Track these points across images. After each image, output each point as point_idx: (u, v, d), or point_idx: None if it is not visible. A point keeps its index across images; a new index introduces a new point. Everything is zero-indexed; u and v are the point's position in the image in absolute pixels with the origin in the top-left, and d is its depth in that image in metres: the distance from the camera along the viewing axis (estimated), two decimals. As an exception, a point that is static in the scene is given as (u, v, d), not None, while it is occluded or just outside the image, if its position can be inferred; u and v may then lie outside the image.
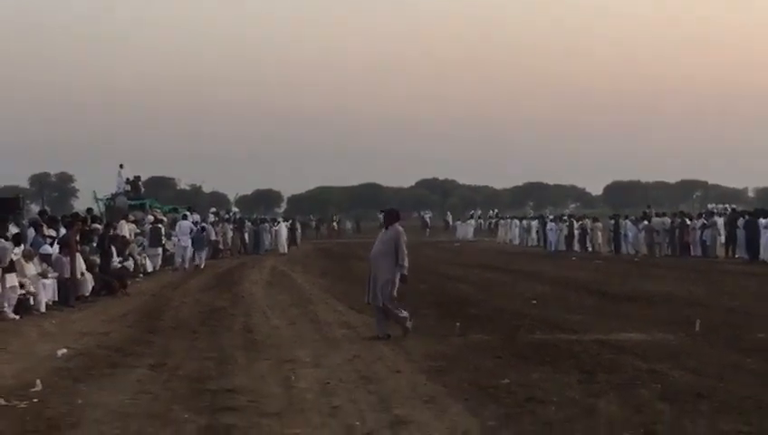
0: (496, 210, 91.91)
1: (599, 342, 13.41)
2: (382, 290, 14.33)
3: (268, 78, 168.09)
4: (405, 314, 14.41)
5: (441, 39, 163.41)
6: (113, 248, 25.66)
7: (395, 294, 14.42)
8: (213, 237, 41.57)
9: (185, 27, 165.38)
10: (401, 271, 14.42)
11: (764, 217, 34.89)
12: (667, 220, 42.72)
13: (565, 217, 55.36)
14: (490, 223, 79.11)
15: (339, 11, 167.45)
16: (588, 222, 49.41)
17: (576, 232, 49.53)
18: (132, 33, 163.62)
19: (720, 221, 39.84)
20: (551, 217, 60.10)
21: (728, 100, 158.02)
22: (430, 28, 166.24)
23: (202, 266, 35.35)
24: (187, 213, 40.29)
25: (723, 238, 38.72)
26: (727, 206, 65.17)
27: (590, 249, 47.03)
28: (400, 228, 14.77)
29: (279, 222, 54.67)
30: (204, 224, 40.53)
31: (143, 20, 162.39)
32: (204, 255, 36.93)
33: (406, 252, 14.53)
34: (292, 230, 58.08)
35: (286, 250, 50.00)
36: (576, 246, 48.76)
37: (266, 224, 53.69)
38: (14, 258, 18.42)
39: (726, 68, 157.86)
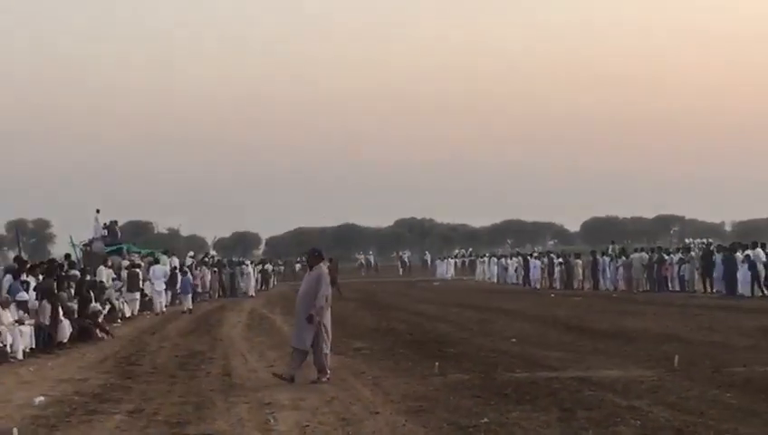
0: (470, 249, 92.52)
1: (578, 379, 13.43)
2: (305, 333, 14.24)
3: (246, 119, 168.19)
4: (322, 364, 14.24)
5: (416, 82, 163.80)
6: (91, 294, 25.53)
7: (326, 336, 14.28)
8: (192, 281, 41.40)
9: (162, 71, 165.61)
10: (311, 310, 14.15)
11: (741, 251, 35.17)
12: (645, 256, 42.94)
13: (544, 254, 55.71)
14: (464, 262, 79.58)
15: (318, 48, 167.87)
16: (571, 258, 49.61)
17: (556, 269, 49.81)
18: (113, 78, 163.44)
19: (696, 255, 40.09)
20: (535, 253, 60.37)
21: (704, 134, 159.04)
22: (403, 72, 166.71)
23: (191, 309, 35.09)
24: (163, 256, 40.18)
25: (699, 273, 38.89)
26: (704, 240, 65.61)
27: (574, 286, 47.06)
28: (324, 269, 14.72)
29: (246, 264, 54.62)
30: (186, 268, 40.39)
31: (121, 63, 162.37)
32: (190, 298, 36.53)
33: (325, 294, 14.29)
34: (263, 273, 58.31)
35: (254, 293, 50.12)
36: (557, 283, 48.97)
37: (243, 266, 53.67)
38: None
39: (701, 102, 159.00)
